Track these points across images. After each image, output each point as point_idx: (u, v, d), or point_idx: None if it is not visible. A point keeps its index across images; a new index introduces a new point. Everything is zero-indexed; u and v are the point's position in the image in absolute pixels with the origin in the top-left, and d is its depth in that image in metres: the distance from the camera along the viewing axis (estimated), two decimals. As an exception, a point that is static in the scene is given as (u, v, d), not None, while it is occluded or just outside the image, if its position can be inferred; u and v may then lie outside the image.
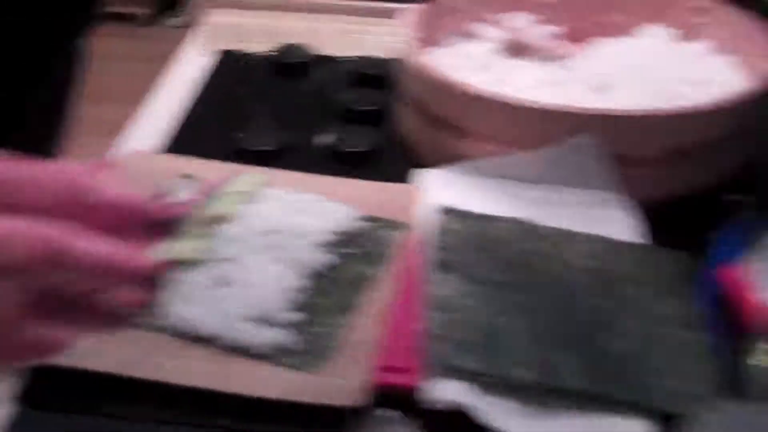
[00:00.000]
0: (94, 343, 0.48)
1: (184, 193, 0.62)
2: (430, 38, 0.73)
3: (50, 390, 0.53)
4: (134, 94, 0.97)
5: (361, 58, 0.85)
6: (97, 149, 0.70)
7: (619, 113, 0.61)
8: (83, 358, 0.52)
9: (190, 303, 0.59)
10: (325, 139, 0.78)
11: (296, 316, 0.60)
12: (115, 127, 0.83)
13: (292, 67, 0.85)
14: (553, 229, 0.59)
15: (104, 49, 1.04)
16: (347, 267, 0.66)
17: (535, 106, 0.61)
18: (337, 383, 0.53)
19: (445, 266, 0.56)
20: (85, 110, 0.90)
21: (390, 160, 0.80)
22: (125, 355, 0.54)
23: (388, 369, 0.52)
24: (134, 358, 0.54)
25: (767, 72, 0.65)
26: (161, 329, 0.57)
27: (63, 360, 0.50)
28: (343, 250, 0.70)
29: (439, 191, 0.64)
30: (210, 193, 0.60)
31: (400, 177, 0.76)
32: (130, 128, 0.82)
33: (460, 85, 0.64)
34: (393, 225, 0.75)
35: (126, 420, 0.51)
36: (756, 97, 0.63)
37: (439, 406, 0.48)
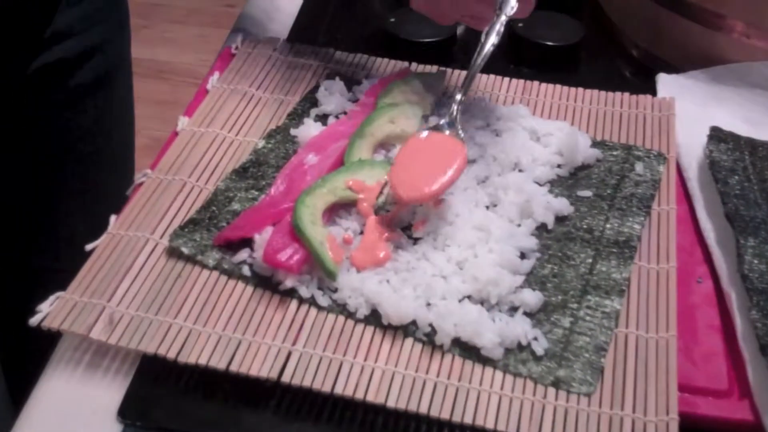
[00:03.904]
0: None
1: None
2: None
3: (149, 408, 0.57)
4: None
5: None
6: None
7: None
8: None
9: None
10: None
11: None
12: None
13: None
14: None
15: None
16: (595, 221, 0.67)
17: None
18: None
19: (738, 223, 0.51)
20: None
21: (601, 58, 0.79)
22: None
23: (695, 391, 0.50)
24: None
25: None
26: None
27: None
28: (585, 194, 0.70)
29: (691, 106, 0.54)
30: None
31: (619, 81, 0.78)
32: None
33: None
34: (649, 156, 0.73)
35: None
36: None
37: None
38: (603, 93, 0.83)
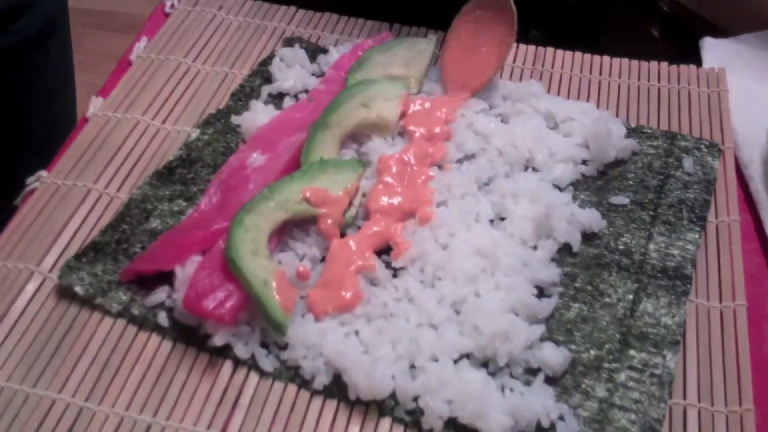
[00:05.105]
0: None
1: None
2: None
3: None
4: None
5: None
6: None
7: None
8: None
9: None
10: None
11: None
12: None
13: None
14: None
15: None
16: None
17: None
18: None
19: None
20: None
21: (627, 16, 0.71)
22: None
23: None
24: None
25: None
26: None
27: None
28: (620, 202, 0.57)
29: (744, 79, 0.53)
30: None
31: (650, 47, 0.70)
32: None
33: None
34: (699, 147, 0.60)
35: None
36: None
37: None
38: (635, 63, 0.68)
